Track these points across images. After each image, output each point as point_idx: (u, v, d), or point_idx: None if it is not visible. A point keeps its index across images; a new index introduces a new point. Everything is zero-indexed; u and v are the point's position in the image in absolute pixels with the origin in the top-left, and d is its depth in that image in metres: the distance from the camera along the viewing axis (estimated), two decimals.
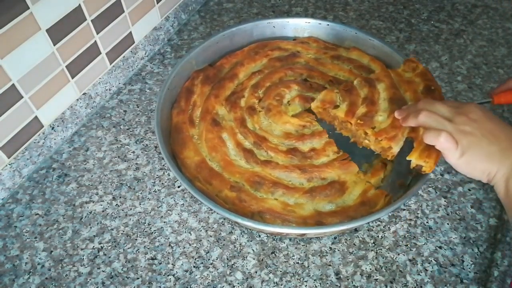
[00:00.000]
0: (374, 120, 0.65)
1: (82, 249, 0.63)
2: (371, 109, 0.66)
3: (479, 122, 0.52)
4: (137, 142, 0.77)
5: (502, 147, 0.51)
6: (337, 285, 0.59)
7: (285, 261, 0.62)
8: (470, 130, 0.51)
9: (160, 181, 0.71)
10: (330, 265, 0.61)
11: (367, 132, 0.64)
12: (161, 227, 0.66)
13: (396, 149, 0.63)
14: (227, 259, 0.62)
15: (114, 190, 0.70)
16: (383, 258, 0.62)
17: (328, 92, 0.71)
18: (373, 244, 0.63)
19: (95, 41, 0.77)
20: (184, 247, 0.63)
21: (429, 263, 0.61)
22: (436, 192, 0.69)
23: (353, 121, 0.66)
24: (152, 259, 0.62)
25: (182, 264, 0.62)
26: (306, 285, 0.59)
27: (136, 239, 0.64)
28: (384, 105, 0.67)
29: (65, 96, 0.75)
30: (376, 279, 0.60)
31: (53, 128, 0.74)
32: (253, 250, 0.63)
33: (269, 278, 0.60)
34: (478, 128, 0.51)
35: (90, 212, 0.67)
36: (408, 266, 0.61)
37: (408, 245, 0.63)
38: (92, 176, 0.72)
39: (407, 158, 0.58)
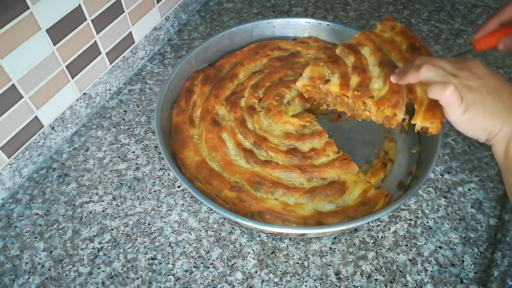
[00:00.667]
0: (370, 89, 0.61)
1: (82, 249, 0.63)
2: (364, 77, 0.62)
3: (484, 79, 0.50)
4: (137, 142, 0.77)
5: (506, 105, 0.49)
6: (337, 285, 0.59)
7: (285, 261, 0.62)
8: (475, 86, 0.49)
9: (160, 181, 0.71)
10: (330, 265, 0.61)
11: (367, 102, 0.61)
12: (161, 227, 0.66)
13: (400, 115, 0.59)
14: (227, 259, 0.62)
15: (114, 190, 0.70)
16: (383, 258, 0.62)
17: (314, 67, 0.66)
18: (373, 244, 0.63)
19: (95, 41, 0.77)
20: (184, 247, 0.63)
21: (429, 263, 0.61)
22: (436, 192, 0.69)
23: (349, 94, 0.62)
24: (152, 259, 0.62)
25: (182, 264, 0.62)
26: (306, 285, 0.59)
27: (136, 239, 0.64)
28: (375, 71, 0.63)
29: (65, 96, 0.75)
30: (376, 279, 0.60)
31: (53, 128, 0.74)
32: (253, 250, 0.63)
33: (269, 278, 0.60)
34: (483, 84, 0.50)
35: (90, 212, 0.67)
36: (408, 266, 0.61)
37: (408, 245, 0.63)
38: (92, 176, 0.72)
39: (412, 122, 0.56)
